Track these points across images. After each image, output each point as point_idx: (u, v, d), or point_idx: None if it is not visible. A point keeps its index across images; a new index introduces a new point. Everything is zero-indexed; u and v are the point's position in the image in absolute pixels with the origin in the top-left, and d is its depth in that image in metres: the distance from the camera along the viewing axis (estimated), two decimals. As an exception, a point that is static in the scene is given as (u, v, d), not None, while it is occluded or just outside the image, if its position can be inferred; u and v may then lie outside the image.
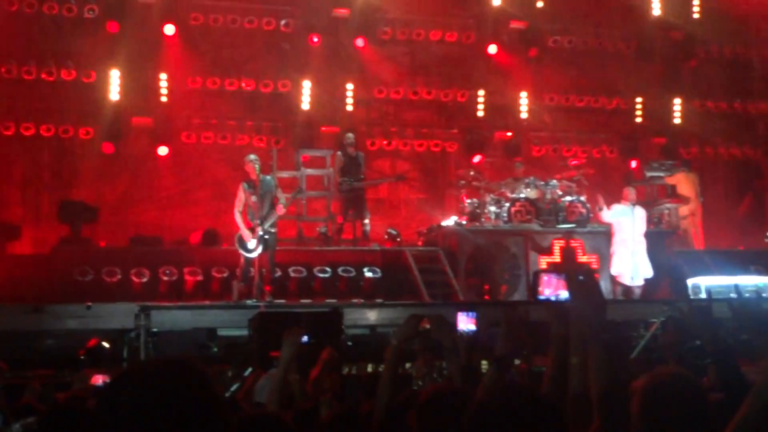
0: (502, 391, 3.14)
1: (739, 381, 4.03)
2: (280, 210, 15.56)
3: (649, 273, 17.79)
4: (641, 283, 17.76)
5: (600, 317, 3.31)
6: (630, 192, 18.21)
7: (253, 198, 15.48)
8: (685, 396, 3.47)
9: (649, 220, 19.11)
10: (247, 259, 15.45)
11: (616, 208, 17.86)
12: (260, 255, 15.25)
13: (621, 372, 4.04)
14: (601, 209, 17.78)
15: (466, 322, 5.98)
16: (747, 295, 16.35)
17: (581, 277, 3.37)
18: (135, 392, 2.11)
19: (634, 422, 3.39)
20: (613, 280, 17.95)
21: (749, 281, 17.39)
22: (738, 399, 3.85)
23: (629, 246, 17.71)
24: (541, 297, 3.86)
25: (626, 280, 17.74)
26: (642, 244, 17.86)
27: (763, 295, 16.54)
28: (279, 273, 16.36)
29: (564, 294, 3.65)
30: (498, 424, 3.03)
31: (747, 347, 4.38)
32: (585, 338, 3.32)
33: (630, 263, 17.71)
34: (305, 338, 6.52)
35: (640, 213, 18.08)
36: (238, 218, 15.54)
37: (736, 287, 16.40)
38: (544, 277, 3.83)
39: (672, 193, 21.03)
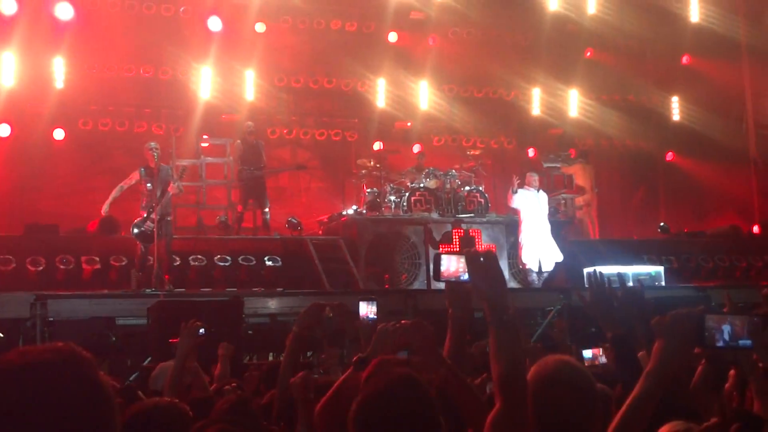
0: (388, 382, 3.18)
1: (634, 365, 4.15)
2: (172, 188, 15.42)
3: (558, 257, 17.95)
4: (551, 267, 17.91)
5: (501, 297, 3.38)
6: (533, 177, 18.38)
7: (149, 185, 15.32)
8: (572, 384, 3.55)
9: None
10: (145, 248, 15.29)
11: (521, 193, 17.94)
12: (158, 243, 15.10)
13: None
14: (515, 191, 17.78)
15: (367, 311, 6.07)
16: (630, 284, 16.70)
17: (482, 259, 3.43)
18: (12, 382, 1.98)
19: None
20: (522, 269, 18.11)
21: (642, 270, 17.80)
22: (633, 380, 3.99)
23: (536, 231, 17.85)
24: (442, 279, 3.92)
25: (535, 267, 17.84)
26: (547, 229, 18.05)
27: (644, 283, 16.80)
28: (178, 261, 16.22)
29: (465, 276, 3.71)
30: (381, 415, 3.09)
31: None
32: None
33: (538, 249, 17.84)
34: (202, 330, 6.55)
35: (543, 197, 18.28)
36: (114, 191, 15.55)
37: (619, 276, 16.59)
38: (445, 259, 3.89)
39: (568, 184, 21.44)
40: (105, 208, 15.77)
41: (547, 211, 18.27)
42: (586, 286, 4.30)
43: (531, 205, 17.98)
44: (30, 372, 1.99)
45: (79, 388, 2.01)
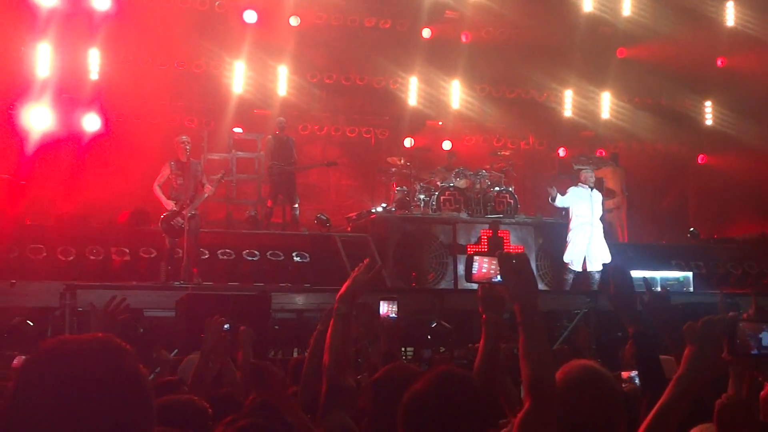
0: (436, 379, 3.23)
1: (655, 363, 4.15)
2: (208, 190, 15.50)
3: (606, 257, 17.39)
4: (599, 268, 17.36)
5: (532, 299, 3.40)
6: (588, 174, 17.84)
7: (179, 179, 15.38)
8: (597, 388, 3.57)
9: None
10: (174, 240, 15.37)
11: (573, 191, 17.50)
12: (187, 237, 15.18)
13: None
14: (553, 199, 17.33)
15: (388, 309, 6.10)
16: (657, 289, 16.40)
17: (514, 261, 3.46)
18: (53, 369, 2.02)
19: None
20: (564, 267, 17.67)
21: (671, 275, 17.68)
22: (652, 380, 3.99)
23: (587, 231, 17.34)
24: (474, 280, 3.94)
25: (577, 267, 17.42)
26: (599, 229, 17.52)
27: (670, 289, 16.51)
28: (207, 255, 16.28)
29: (497, 277, 3.73)
30: (433, 410, 3.14)
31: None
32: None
33: (584, 249, 17.34)
34: (227, 326, 6.58)
35: (597, 197, 17.69)
36: (158, 192, 15.47)
37: (645, 281, 16.04)
38: (477, 261, 3.90)
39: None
40: (171, 206, 15.41)
41: (600, 211, 17.67)
42: (610, 278, 4.30)
43: (583, 204, 17.43)
44: (71, 360, 2.03)
45: (119, 378, 2.05)
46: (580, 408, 3.50)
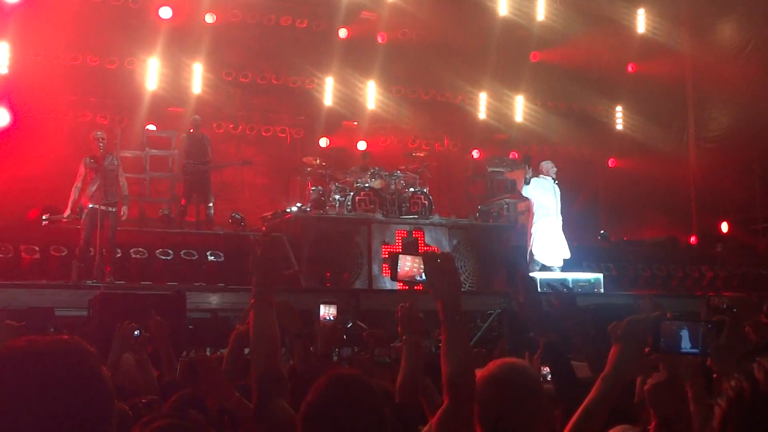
0: (327, 386, 3.24)
1: (568, 371, 4.22)
2: (124, 185, 15.48)
3: (567, 254, 17.45)
4: (560, 264, 17.46)
5: (455, 298, 3.46)
6: (549, 166, 17.63)
7: (95, 175, 15.20)
8: (517, 383, 3.63)
9: (489, 215, 19.56)
10: (87, 238, 15.16)
11: (537, 182, 17.28)
12: (101, 234, 14.99)
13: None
14: (528, 181, 17.07)
15: (325, 313, 6.21)
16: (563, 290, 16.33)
17: (439, 260, 3.51)
18: (20, 368, 2.09)
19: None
20: (530, 258, 17.46)
21: (582, 276, 17.92)
22: (566, 388, 4.06)
23: (550, 224, 17.23)
24: (399, 279, 3.98)
25: (546, 260, 17.29)
26: (560, 223, 17.44)
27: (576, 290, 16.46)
28: (119, 254, 16.09)
29: (420, 276, 3.78)
30: (330, 418, 3.15)
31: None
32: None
33: (550, 243, 17.29)
34: (137, 332, 6.59)
35: (558, 190, 17.51)
36: (74, 194, 15.30)
37: (549, 284, 15.65)
38: (402, 260, 3.95)
39: (511, 189, 21.59)
40: (67, 213, 15.54)
41: (559, 205, 17.49)
42: (520, 286, 4.36)
43: (547, 195, 17.31)
44: (38, 359, 2.11)
45: (82, 378, 2.14)
46: (502, 403, 3.56)
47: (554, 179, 17.56)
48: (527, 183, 17.16)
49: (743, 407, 1.92)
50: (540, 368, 4.99)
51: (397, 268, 3.92)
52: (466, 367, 3.42)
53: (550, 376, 4.38)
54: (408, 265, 3.91)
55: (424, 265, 3.58)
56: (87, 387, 2.13)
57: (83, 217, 15.21)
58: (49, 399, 2.07)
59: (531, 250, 17.40)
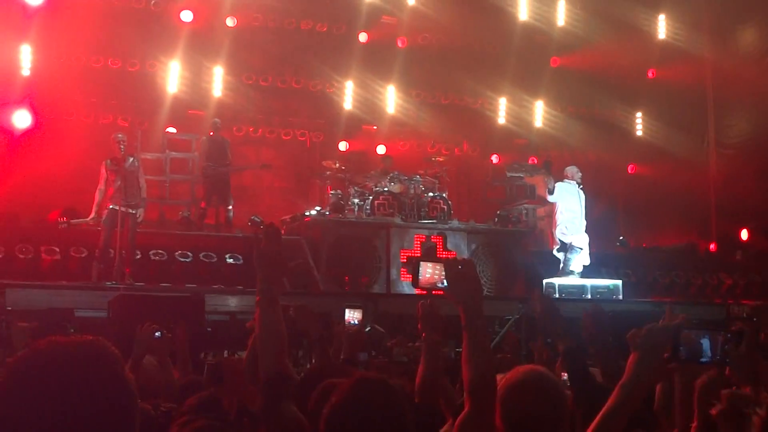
0: (351, 389, 3.25)
1: (586, 377, 4.23)
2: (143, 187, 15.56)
3: (586, 260, 17.59)
4: (579, 269, 17.58)
5: (477, 304, 3.47)
6: (575, 171, 17.76)
7: (116, 177, 15.26)
8: (540, 390, 3.63)
9: (508, 220, 19.53)
10: (107, 240, 15.22)
11: (561, 187, 17.41)
12: (120, 236, 15.05)
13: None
14: (551, 191, 17.30)
15: (350, 317, 6.23)
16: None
17: (460, 266, 3.52)
18: (43, 370, 2.08)
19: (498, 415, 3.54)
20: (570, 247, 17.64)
21: (600, 283, 17.89)
22: (585, 394, 4.06)
23: (579, 228, 17.36)
24: (421, 285, 4.00)
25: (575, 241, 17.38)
26: (583, 227, 17.57)
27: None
28: (139, 255, 16.13)
29: (442, 283, 3.79)
30: (354, 421, 3.16)
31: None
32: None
33: (579, 242, 17.42)
34: (158, 334, 6.60)
35: (583, 195, 17.67)
36: (98, 197, 15.36)
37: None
38: (423, 266, 3.96)
39: (530, 194, 21.55)
40: (92, 216, 15.56)
41: (584, 210, 17.68)
42: (538, 300, 4.38)
43: (572, 199, 17.44)
44: (62, 360, 2.10)
45: (107, 380, 2.13)
46: (523, 408, 3.56)
47: (579, 184, 17.66)
48: (551, 193, 17.32)
49: None
50: (560, 374, 4.99)
51: (418, 275, 3.94)
52: (488, 373, 3.43)
53: (569, 382, 4.39)
54: (429, 272, 3.92)
55: (446, 271, 3.60)
56: (111, 389, 2.13)
57: (103, 218, 15.26)
58: (73, 401, 2.06)
59: (554, 232, 17.53)
